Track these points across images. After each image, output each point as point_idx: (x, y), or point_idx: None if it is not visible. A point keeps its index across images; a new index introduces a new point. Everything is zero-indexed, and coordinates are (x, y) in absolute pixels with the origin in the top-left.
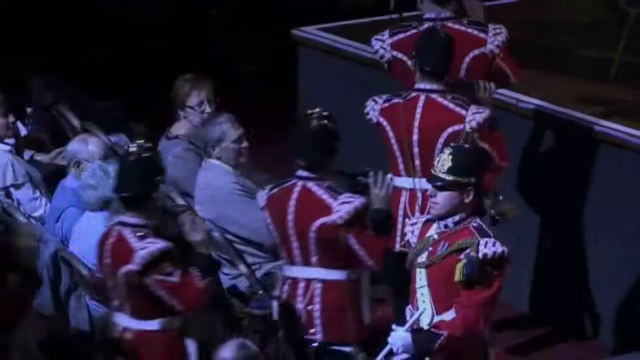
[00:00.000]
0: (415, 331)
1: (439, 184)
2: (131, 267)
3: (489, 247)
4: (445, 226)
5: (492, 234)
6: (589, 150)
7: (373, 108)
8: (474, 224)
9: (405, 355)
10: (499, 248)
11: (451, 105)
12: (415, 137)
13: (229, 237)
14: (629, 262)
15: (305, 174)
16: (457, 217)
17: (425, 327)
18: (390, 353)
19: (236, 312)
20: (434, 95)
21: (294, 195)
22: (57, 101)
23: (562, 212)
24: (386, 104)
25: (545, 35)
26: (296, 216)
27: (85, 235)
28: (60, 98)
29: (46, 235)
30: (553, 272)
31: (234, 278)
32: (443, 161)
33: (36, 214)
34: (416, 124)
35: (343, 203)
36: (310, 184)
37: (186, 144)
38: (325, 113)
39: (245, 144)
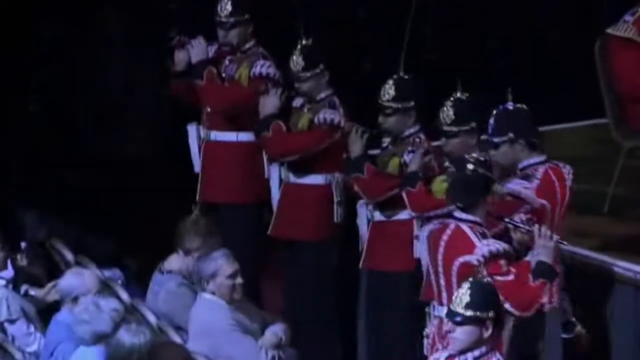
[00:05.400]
0: None
1: (457, 319)
2: None
3: None
4: None
5: None
6: (585, 284)
7: None
8: None
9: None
10: None
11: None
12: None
13: None
14: None
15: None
16: (477, 352)
17: None
18: None
19: None
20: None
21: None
22: (51, 235)
23: None
24: None
25: None
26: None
27: None
28: (54, 231)
29: None
30: None
31: None
32: (461, 296)
33: (30, 349)
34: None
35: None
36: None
37: (180, 279)
38: (481, 158)
39: (239, 279)
